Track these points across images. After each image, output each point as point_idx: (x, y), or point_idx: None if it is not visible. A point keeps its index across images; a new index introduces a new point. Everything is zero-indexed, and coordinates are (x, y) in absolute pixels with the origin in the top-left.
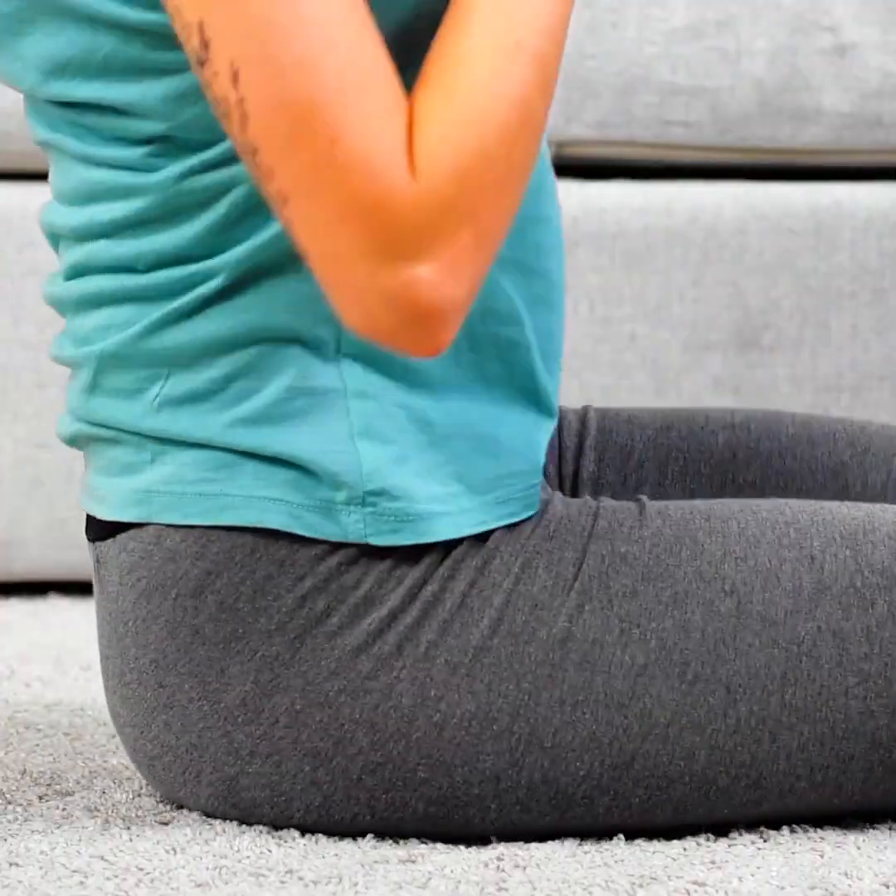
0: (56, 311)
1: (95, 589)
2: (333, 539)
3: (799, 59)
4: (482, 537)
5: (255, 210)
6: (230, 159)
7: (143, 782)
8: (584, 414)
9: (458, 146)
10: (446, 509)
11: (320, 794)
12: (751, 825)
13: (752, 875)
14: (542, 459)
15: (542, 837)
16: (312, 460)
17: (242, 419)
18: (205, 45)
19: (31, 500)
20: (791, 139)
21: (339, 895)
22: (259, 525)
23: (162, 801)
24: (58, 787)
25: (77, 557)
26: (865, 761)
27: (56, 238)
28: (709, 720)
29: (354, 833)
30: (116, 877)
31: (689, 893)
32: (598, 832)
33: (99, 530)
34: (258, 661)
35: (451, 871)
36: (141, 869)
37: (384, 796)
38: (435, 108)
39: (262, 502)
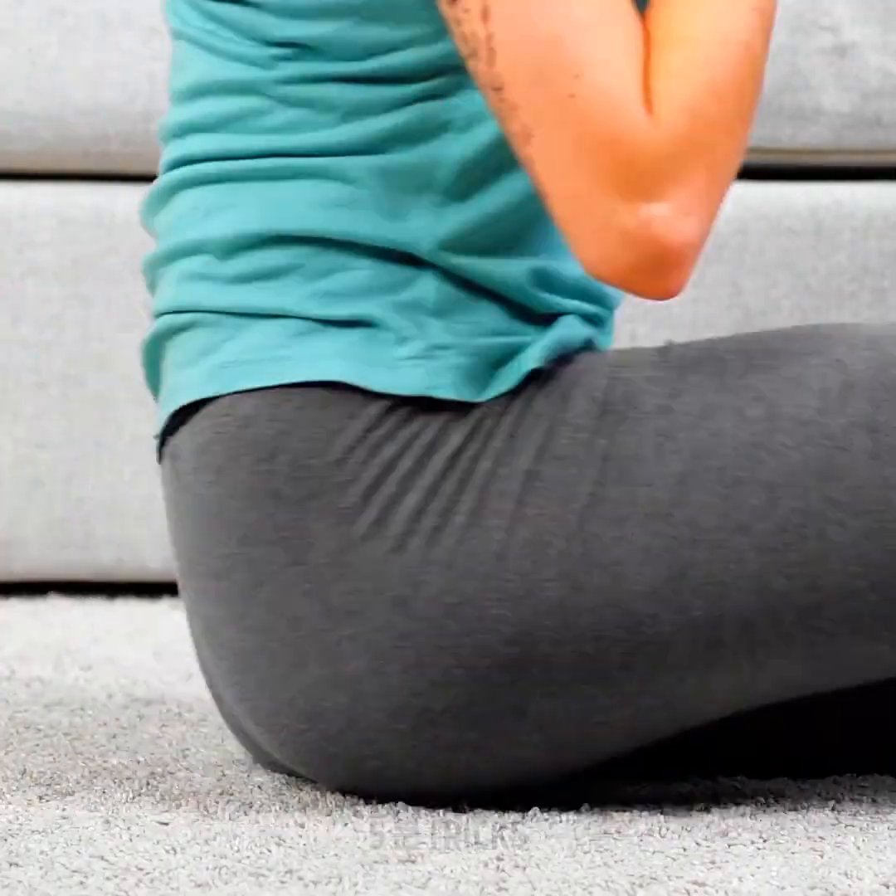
0: (146, 221)
1: (170, 501)
2: (397, 392)
3: (799, 59)
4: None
5: (361, 115)
6: (353, 78)
7: (144, 782)
8: None
9: (690, 83)
10: (497, 374)
11: (412, 647)
12: (750, 825)
13: (752, 875)
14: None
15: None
16: (384, 319)
17: (324, 292)
18: None
19: (31, 500)
20: (791, 139)
21: (339, 895)
22: (327, 378)
23: (162, 801)
24: (58, 787)
25: (77, 557)
26: None
27: (165, 144)
28: (753, 521)
29: (451, 699)
30: (116, 877)
31: (689, 893)
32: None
33: (169, 428)
34: (336, 514)
35: (451, 871)
36: (141, 869)
37: (467, 641)
38: (664, 48)
39: (332, 359)
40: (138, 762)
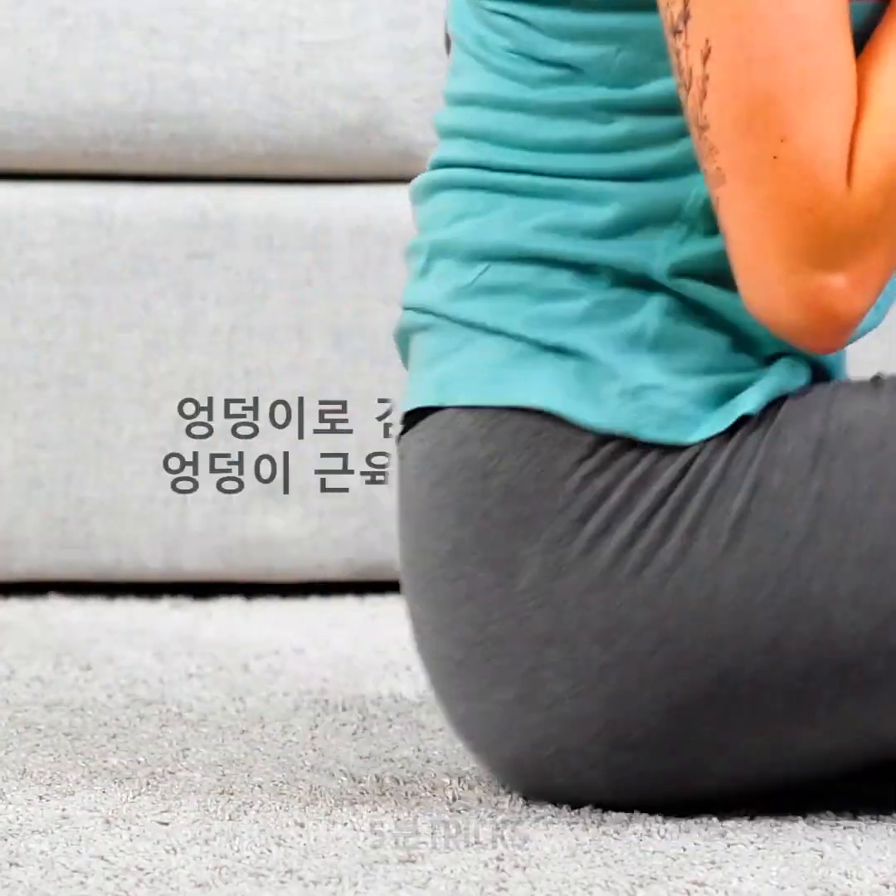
0: (413, 208)
1: (399, 496)
2: (601, 428)
3: None
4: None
5: (633, 146)
6: (623, 107)
7: (144, 782)
8: None
9: (891, 161)
10: (708, 416)
11: (615, 677)
12: (750, 825)
13: (752, 875)
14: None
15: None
16: (596, 353)
17: (544, 316)
18: (685, 16)
19: (31, 500)
20: None
21: (339, 895)
22: (540, 407)
23: (162, 801)
24: (58, 787)
25: (77, 557)
26: None
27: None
28: None
29: (650, 730)
30: (116, 877)
31: (689, 893)
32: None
33: (404, 426)
34: (544, 542)
35: (451, 871)
36: (141, 869)
37: (671, 678)
38: (873, 117)
39: (549, 387)
40: (138, 762)
